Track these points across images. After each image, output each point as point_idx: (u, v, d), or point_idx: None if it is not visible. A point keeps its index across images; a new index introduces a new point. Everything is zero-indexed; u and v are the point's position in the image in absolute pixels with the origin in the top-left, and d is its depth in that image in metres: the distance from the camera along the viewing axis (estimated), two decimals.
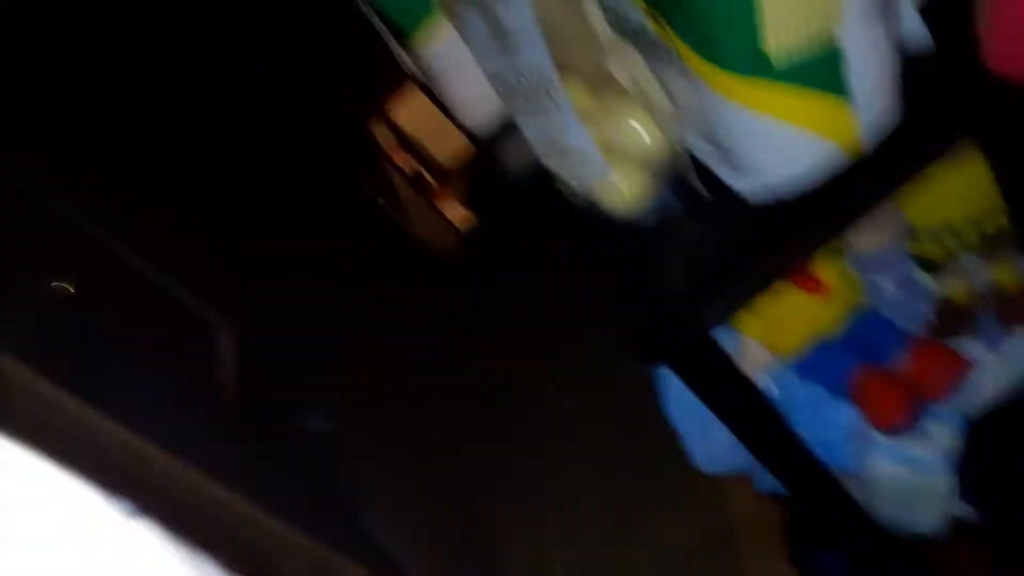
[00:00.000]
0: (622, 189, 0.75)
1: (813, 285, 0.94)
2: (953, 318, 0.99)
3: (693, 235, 0.75)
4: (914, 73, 0.70)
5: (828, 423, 0.96)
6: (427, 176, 2.47)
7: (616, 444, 1.88)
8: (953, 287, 0.97)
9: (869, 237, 0.96)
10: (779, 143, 0.68)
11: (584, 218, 0.81)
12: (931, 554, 1.20)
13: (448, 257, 2.57)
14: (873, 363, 0.94)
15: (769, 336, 0.96)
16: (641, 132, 0.72)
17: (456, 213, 2.49)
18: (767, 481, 1.10)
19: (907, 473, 0.98)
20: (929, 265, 0.96)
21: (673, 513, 1.71)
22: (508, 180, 1.08)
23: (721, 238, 0.74)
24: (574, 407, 2.00)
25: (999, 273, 0.96)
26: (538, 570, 1.82)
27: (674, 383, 1.01)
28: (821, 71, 0.65)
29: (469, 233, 2.49)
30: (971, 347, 0.99)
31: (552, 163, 0.77)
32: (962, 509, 1.08)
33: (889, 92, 0.70)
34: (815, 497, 0.99)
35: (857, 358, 0.94)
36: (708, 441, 1.01)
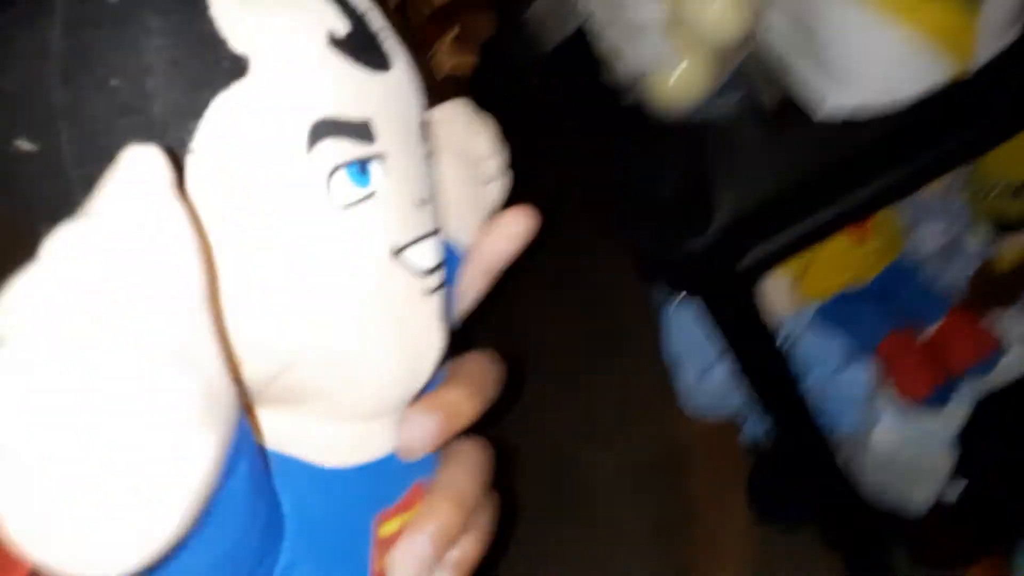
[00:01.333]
0: (682, 77, 0.62)
1: (855, 229, 0.83)
2: (993, 285, 0.89)
3: (752, 161, 0.63)
4: None
5: (844, 383, 0.88)
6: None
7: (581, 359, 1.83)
8: (1003, 251, 0.87)
9: None
10: (888, 48, 0.56)
11: (625, 111, 0.68)
12: (904, 529, 1.16)
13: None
14: (904, 326, 0.85)
15: (799, 278, 0.85)
16: (723, 6, 0.58)
17: (454, 58, 2.32)
18: (753, 432, 1.02)
19: (911, 446, 0.91)
20: (988, 222, 0.85)
21: (633, 431, 1.68)
22: (534, 52, 0.94)
23: (783, 173, 0.62)
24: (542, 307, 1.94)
25: None
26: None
27: (679, 321, 0.91)
28: None
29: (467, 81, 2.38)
30: (1007, 324, 0.90)
31: (606, 35, 0.63)
32: (951, 489, 1.02)
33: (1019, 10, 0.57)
34: (803, 455, 0.92)
35: (888, 317, 0.84)
36: (703, 385, 0.92)
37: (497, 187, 0.36)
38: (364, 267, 0.26)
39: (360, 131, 0.25)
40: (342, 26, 0.26)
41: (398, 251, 0.26)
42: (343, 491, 0.28)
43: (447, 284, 0.31)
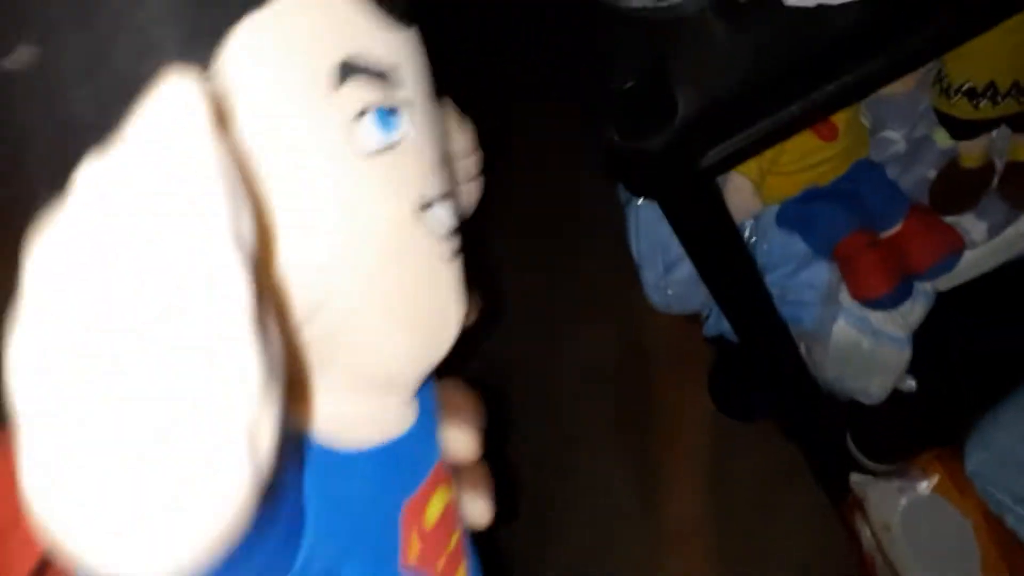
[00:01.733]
0: None
1: (823, 128, 0.82)
2: (955, 186, 0.90)
3: (715, 55, 0.62)
4: None
5: (804, 281, 0.89)
6: None
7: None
8: (968, 150, 0.87)
9: (893, 83, 0.84)
10: None
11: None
12: (860, 419, 1.20)
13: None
14: (866, 227, 0.85)
15: (761, 176, 0.85)
16: None
17: None
18: (716, 327, 1.04)
19: (867, 342, 0.93)
20: (951, 125, 0.85)
21: (595, 327, 1.69)
22: None
23: (746, 68, 0.61)
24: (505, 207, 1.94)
25: (1021, 146, 0.86)
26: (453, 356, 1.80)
27: (644, 215, 0.91)
28: None
29: None
30: (970, 226, 0.90)
31: None
32: (908, 381, 1.05)
33: None
34: (764, 351, 0.94)
35: (851, 217, 0.85)
36: (668, 281, 0.93)
37: (472, 187, 0.35)
38: (390, 216, 0.24)
39: (389, 76, 0.24)
40: None
41: (424, 206, 0.26)
42: (363, 474, 0.27)
43: None
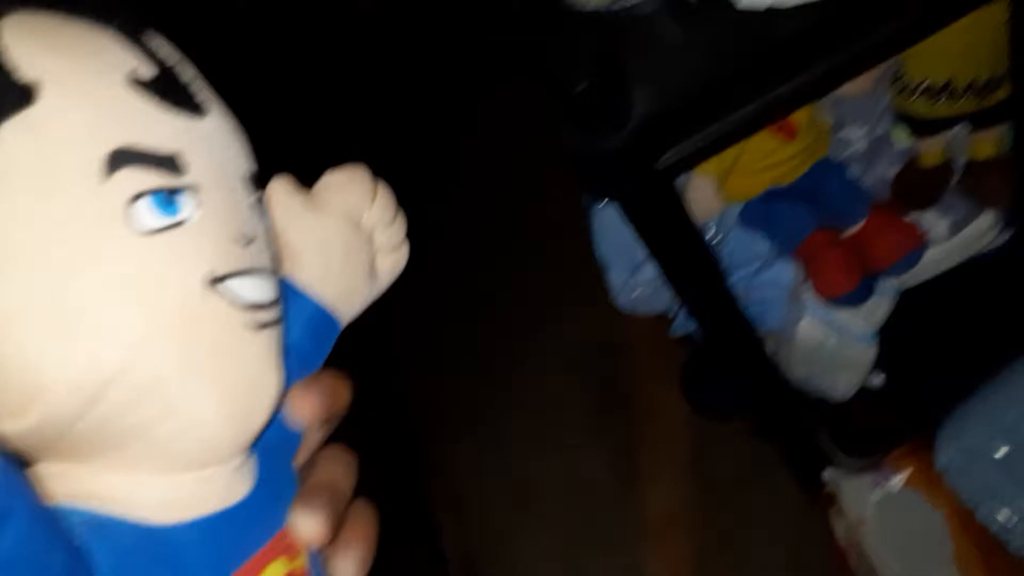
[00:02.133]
0: None
1: (782, 128, 0.83)
2: (915, 184, 0.91)
3: (672, 55, 0.62)
4: None
5: (768, 281, 0.89)
6: None
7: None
8: (928, 148, 0.88)
9: (852, 82, 0.85)
10: None
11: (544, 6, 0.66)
12: (831, 417, 1.21)
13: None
14: (827, 225, 0.86)
15: (723, 177, 0.86)
16: None
17: None
18: (683, 327, 1.04)
19: (833, 339, 0.93)
20: (911, 123, 0.86)
21: (570, 322, 1.70)
22: None
23: (703, 68, 0.61)
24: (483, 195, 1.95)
25: (980, 143, 0.87)
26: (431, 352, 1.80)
27: (608, 217, 0.91)
28: None
29: None
30: (931, 223, 0.91)
31: None
32: (875, 377, 1.05)
33: None
34: (732, 351, 0.95)
35: (812, 216, 0.85)
36: (633, 283, 0.93)
37: (393, 259, 0.35)
38: (173, 290, 0.25)
39: (165, 162, 0.25)
40: (146, 70, 0.26)
41: (215, 280, 0.26)
42: (179, 548, 0.26)
43: (310, 347, 0.31)
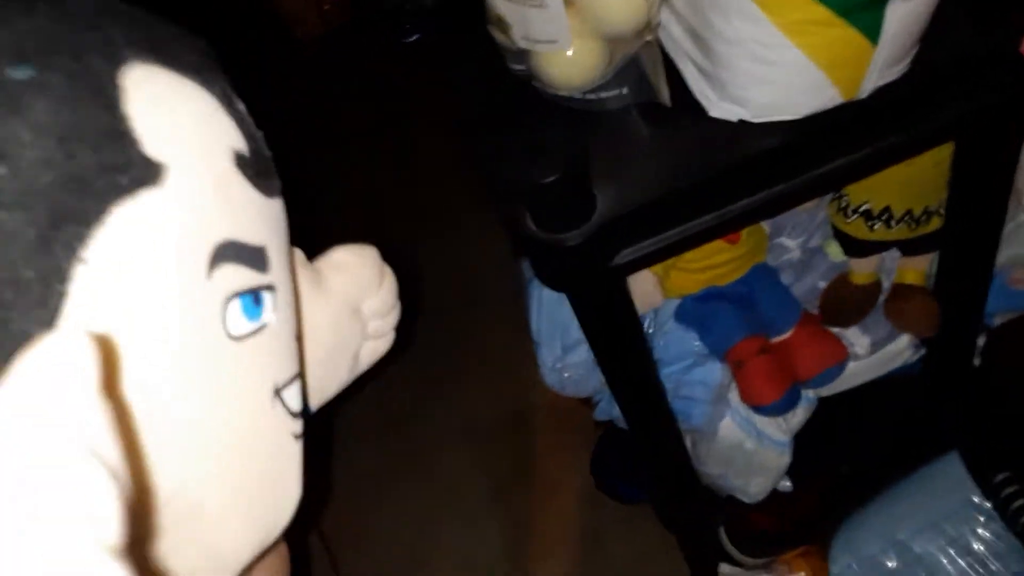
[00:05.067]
0: (575, 58, 0.60)
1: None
2: (843, 301, 0.93)
3: (637, 156, 0.62)
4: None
5: (696, 380, 0.90)
6: None
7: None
8: (859, 267, 0.91)
9: None
10: (777, 70, 0.55)
11: (510, 81, 0.65)
12: (732, 514, 1.22)
13: (310, 40, 2.49)
14: (757, 332, 0.87)
15: (665, 272, 0.86)
16: None
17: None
18: (607, 412, 1.04)
19: (751, 442, 0.94)
20: (845, 242, 0.88)
21: (480, 388, 1.68)
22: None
23: (666, 173, 0.61)
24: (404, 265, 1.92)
25: (908, 270, 0.90)
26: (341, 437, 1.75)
27: (546, 297, 0.90)
28: (867, 2, 0.52)
29: (332, 14, 2.39)
30: (854, 339, 0.94)
31: (498, 5, 0.60)
32: (783, 483, 1.07)
33: (909, 49, 0.58)
34: (652, 441, 0.94)
35: (743, 322, 0.86)
36: (564, 363, 0.92)
37: (378, 345, 0.34)
38: (249, 403, 0.23)
39: (258, 258, 0.23)
40: (244, 146, 0.24)
41: (279, 390, 0.24)
42: None
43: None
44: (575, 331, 0.88)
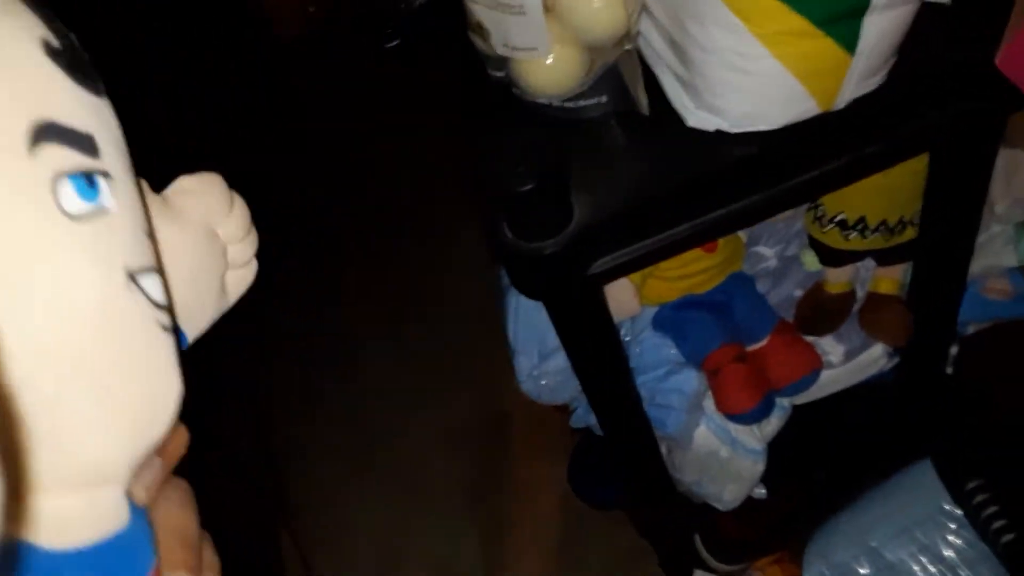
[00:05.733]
0: (554, 65, 0.60)
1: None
2: (818, 310, 0.93)
3: (615, 165, 0.62)
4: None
5: (672, 388, 0.90)
6: None
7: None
8: (834, 277, 0.91)
9: None
10: (754, 80, 0.55)
11: (489, 87, 0.65)
12: (706, 520, 1.22)
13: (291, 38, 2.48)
14: (732, 340, 0.87)
15: (642, 280, 0.86)
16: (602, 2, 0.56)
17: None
18: (583, 419, 1.04)
19: (726, 450, 0.94)
20: (821, 251, 0.89)
21: (458, 393, 1.68)
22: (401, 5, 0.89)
23: (643, 182, 0.61)
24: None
25: (882, 279, 0.91)
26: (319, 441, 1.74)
27: (523, 305, 0.90)
28: (845, 14, 0.52)
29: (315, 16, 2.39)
30: (828, 348, 0.94)
31: (477, 12, 0.60)
32: (757, 490, 1.07)
33: (886, 61, 0.58)
34: (627, 448, 0.94)
35: (719, 330, 0.87)
36: (541, 371, 0.92)
37: (242, 274, 0.34)
38: (99, 281, 0.23)
39: (84, 143, 0.23)
40: (55, 40, 0.24)
41: (133, 275, 0.24)
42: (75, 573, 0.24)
43: None
44: (552, 339, 0.88)
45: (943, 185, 0.74)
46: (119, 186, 0.24)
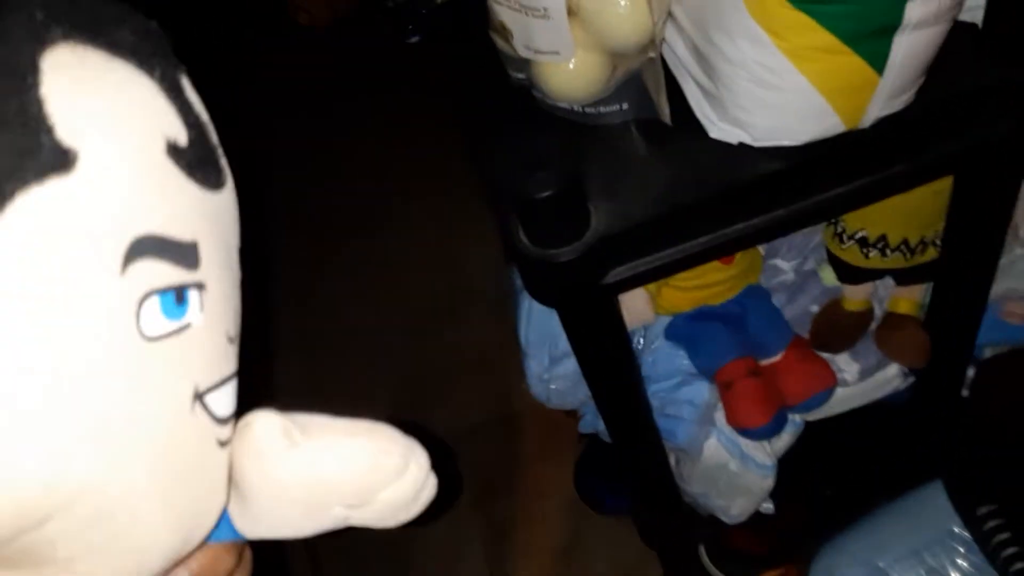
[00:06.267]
0: (576, 70, 0.59)
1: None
2: (833, 326, 0.92)
3: (634, 174, 0.61)
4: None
5: (683, 399, 0.89)
6: None
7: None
8: (852, 294, 0.90)
9: None
10: (780, 95, 0.55)
11: (510, 89, 0.65)
12: (712, 531, 1.21)
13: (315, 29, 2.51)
14: (746, 354, 0.86)
15: (657, 289, 0.85)
16: (627, 8, 0.55)
17: None
18: (592, 425, 1.03)
19: (735, 464, 0.93)
20: (839, 268, 0.87)
21: (466, 391, 1.68)
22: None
23: (662, 192, 0.60)
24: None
25: (900, 299, 0.90)
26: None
27: (535, 308, 0.89)
28: (875, 32, 0.51)
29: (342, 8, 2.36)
30: (843, 365, 0.93)
31: (500, 12, 0.59)
32: (765, 505, 1.06)
33: (915, 81, 0.57)
34: (636, 457, 0.94)
35: (733, 343, 0.86)
36: (551, 375, 0.91)
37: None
38: (163, 409, 0.22)
39: (185, 254, 0.22)
40: (183, 136, 0.23)
41: (200, 395, 0.23)
42: None
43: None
44: (563, 343, 0.87)
45: (967, 207, 0.73)
46: (212, 295, 0.23)
